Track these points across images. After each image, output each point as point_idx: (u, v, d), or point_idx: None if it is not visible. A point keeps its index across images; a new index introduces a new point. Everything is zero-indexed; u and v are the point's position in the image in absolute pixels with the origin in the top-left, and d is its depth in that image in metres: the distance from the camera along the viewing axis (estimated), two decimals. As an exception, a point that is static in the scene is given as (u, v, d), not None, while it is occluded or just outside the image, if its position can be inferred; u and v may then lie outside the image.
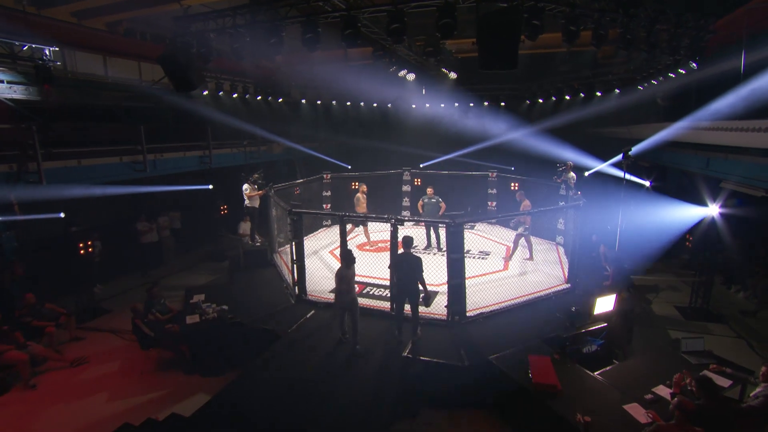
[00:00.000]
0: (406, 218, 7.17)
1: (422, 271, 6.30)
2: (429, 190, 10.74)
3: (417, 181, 14.32)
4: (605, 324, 6.42)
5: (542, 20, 6.17)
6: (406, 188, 14.31)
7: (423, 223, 11.00)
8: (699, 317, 8.66)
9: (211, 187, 12.77)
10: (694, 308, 8.92)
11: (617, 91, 12.29)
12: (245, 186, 9.92)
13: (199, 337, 7.00)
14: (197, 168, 12.91)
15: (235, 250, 10.45)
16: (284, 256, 9.76)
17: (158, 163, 11.30)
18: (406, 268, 6.33)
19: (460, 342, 6.46)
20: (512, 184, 13.03)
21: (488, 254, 10.52)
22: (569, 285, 8.39)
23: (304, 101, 15.50)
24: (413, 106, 17.46)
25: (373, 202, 15.08)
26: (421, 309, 7.02)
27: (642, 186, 12.35)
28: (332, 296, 7.89)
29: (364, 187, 11.11)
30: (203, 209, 13.38)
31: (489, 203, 13.37)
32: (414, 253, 6.48)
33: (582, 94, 13.28)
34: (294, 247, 7.70)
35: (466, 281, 7.05)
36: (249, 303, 8.02)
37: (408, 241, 6.44)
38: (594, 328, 6.36)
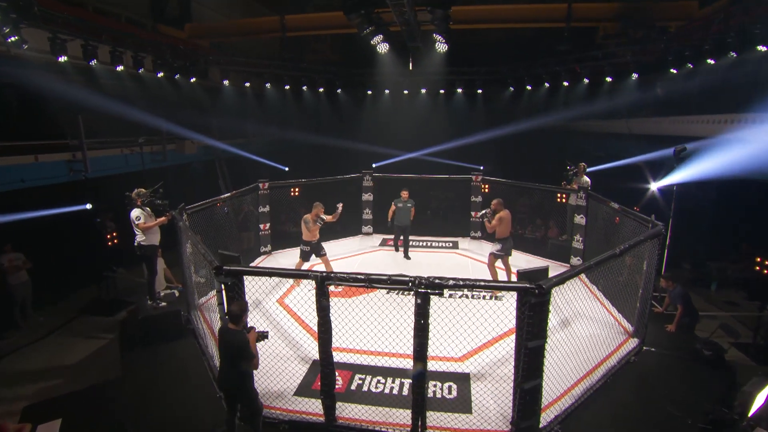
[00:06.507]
0: (438, 282, 3.71)
1: (249, 358, 3.81)
2: (404, 194, 9.40)
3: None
4: (769, 435, 3.99)
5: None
6: (367, 197, 11.18)
7: (395, 230, 9.56)
8: (772, 359, 6.81)
9: (89, 206, 8.63)
10: (762, 347, 7.07)
11: (635, 76, 10.20)
12: (135, 213, 6.07)
13: None
14: (65, 179, 8.69)
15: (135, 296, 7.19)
16: (209, 314, 6.21)
17: (-15, 174, 7.06)
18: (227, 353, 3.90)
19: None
20: (483, 186, 10.59)
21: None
22: (638, 341, 6.00)
23: (227, 83, 11.59)
24: (369, 92, 14.30)
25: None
26: (466, 425, 4.18)
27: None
28: (303, 408, 4.54)
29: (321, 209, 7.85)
30: (81, 239, 9.09)
31: (473, 213, 10.81)
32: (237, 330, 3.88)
33: (586, 80, 11.05)
34: (230, 332, 4.27)
35: (492, 347, 5.50)
36: (150, 429, 4.50)
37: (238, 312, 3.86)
38: (762, 447, 3.90)
